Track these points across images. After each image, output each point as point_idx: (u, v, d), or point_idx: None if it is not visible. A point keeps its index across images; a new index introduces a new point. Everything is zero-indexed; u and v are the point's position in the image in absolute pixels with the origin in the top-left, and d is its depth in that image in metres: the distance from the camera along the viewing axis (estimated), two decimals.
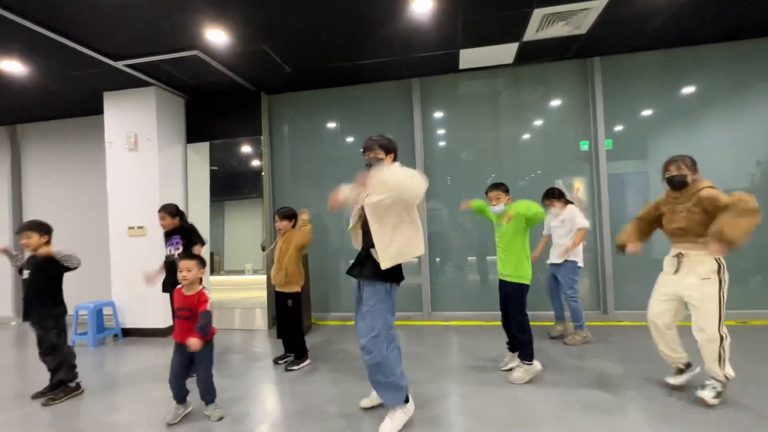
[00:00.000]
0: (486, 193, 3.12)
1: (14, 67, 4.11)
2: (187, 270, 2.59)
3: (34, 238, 3.00)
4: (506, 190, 3.05)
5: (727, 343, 2.45)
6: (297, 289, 3.57)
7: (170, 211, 3.55)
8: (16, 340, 5.08)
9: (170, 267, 3.50)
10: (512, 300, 2.95)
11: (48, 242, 3.08)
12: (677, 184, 2.56)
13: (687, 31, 4.14)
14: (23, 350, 4.56)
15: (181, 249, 3.50)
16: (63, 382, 3.07)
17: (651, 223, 2.83)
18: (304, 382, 3.19)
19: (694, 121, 4.56)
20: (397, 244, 2.25)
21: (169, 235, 3.60)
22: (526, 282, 2.93)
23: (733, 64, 4.41)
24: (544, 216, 2.97)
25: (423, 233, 2.44)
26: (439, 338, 4.19)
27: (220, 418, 2.59)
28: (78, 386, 3.13)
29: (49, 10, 3.20)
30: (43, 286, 3.03)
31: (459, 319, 4.82)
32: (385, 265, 2.23)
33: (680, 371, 2.75)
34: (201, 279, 2.69)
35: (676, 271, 2.58)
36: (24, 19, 3.24)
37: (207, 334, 2.56)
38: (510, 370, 3.08)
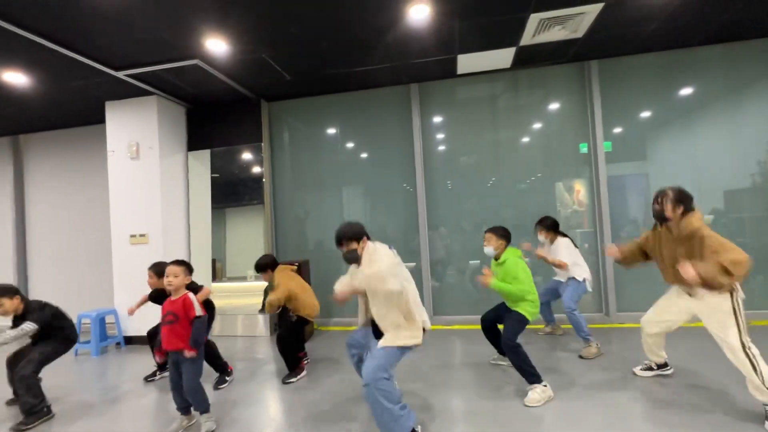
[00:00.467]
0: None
1: (17, 78, 4.16)
2: (173, 276, 2.55)
3: (6, 304, 2.90)
4: (501, 235, 2.99)
5: (755, 353, 2.33)
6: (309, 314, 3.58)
7: (157, 270, 3.35)
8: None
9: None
10: (508, 325, 2.87)
11: (21, 300, 2.99)
12: (660, 220, 2.59)
13: (682, 34, 4.16)
14: None
15: None
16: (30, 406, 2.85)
17: (642, 252, 2.85)
18: (305, 388, 3.19)
19: (692, 122, 4.58)
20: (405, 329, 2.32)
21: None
22: (528, 318, 2.86)
23: (730, 65, 4.43)
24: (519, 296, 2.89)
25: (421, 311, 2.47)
26: (443, 342, 4.19)
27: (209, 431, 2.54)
28: (48, 410, 2.94)
29: (51, 22, 3.25)
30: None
31: (461, 323, 4.82)
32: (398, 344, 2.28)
33: (649, 368, 3.02)
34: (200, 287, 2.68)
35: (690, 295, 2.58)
36: (26, 31, 3.29)
37: (200, 345, 2.52)
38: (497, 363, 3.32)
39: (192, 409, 2.63)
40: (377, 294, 2.26)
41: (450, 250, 5.06)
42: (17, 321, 2.95)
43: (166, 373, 3.51)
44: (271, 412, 2.84)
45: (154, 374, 3.63)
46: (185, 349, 2.46)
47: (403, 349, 2.31)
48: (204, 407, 2.58)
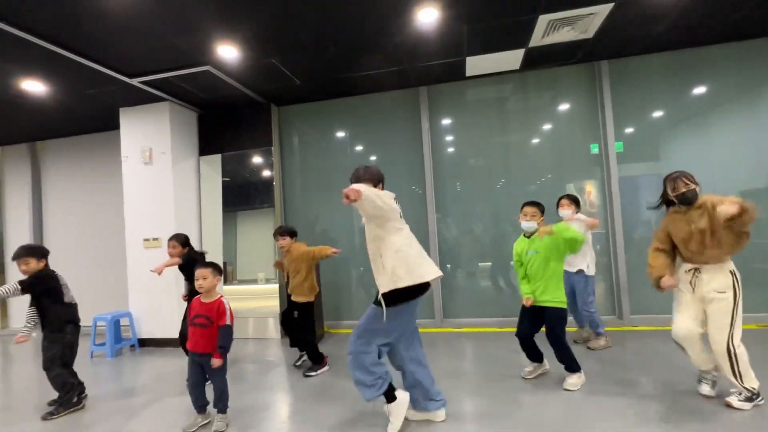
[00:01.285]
0: (522, 206, 3.01)
1: (35, 86, 4.27)
2: (203, 278, 2.58)
3: (32, 263, 2.98)
4: (543, 210, 2.97)
5: (740, 354, 2.40)
6: (310, 299, 3.65)
7: (181, 240, 3.65)
8: (35, 351, 5.18)
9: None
10: (555, 325, 2.88)
11: (46, 266, 3.07)
12: (690, 200, 2.53)
13: (694, 32, 4.11)
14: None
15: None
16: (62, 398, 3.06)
17: (672, 249, 2.71)
18: (315, 390, 3.20)
19: (706, 122, 4.51)
20: (390, 268, 2.23)
21: (189, 269, 3.57)
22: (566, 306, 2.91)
23: (744, 63, 4.36)
24: (584, 242, 2.87)
25: (428, 253, 2.42)
26: (453, 345, 4.18)
27: None
28: (79, 401, 3.14)
29: (67, 32, 3.33)
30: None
31: (472, 325, 4.80)
32: (382, 290, 2.26)
33: (714, 382, 2.67)
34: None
35: (694, 290, 2.57)
36: (44, 40, 3.38)
37: (227, 352, 2.56)
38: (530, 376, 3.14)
39: (207, 408, 2.67)
40: (364, 212, 2.18)
41: (459, 253, 5.04)
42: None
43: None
44: (279, 415, 2.85)
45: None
46: (214, 357, 2.48)
47: (378, 308, 2.28)
48: (223, 407, 2.62)
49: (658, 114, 4.62)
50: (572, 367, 2.92)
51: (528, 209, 2.95)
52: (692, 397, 2.66)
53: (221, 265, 5.25)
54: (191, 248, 3.74)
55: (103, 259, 5.94)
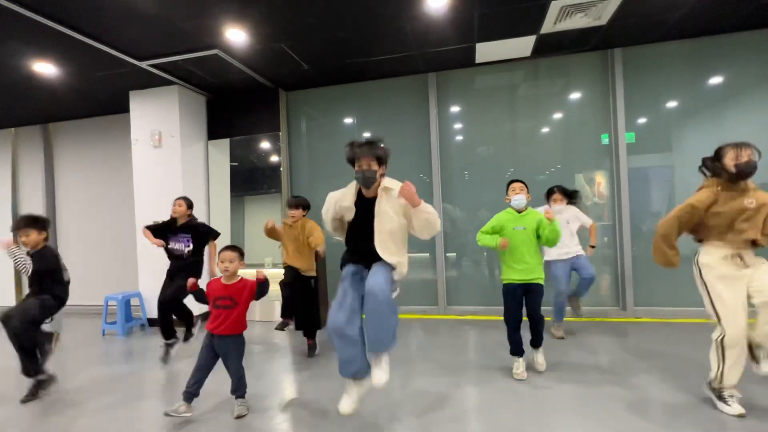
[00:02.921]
0: (510, 183, 3.04)
1: (47, 68, 4.31)
2: (229, 261, 2.57)
3: (33, 236, 2.96)
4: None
5: None
6: (314, 273, 3.75)
7: (189, 202, 3.79)
8: None
9: (176, 261, 3.77)
10: (539, 300, 2.96)
11: (46, 238, 3.06)
12: (749, 173, 2.26)
13: (712, 20, 4.00)
14: None
15: (191, 247, 3.74)
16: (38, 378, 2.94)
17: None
18: (322, 375, 3.27)
19: (723, 113, 4.41)
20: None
21: (176, 231, 3.77)
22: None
23: (763, 52, 4.24)
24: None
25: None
26: (455, 332, 4.22)
27: (239, 416, 2.51)
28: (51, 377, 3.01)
29: (79, 15, 3.35)
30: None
31: (474, 313, 4.83)
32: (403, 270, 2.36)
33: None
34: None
35: (747, 264, 2.28)
36: (55, 22, 3.40)
37: (265, 292, 2.61)
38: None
39: (194, 400, 2.54)
40: (412, 220, 2.29)
41: (465, 241, 5.05)
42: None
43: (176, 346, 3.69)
44: (282, 399, 2.92)
45: (167, 353, 3.69)
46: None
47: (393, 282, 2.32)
48: (242, 392, 2.60)
49: (672, 104, 4.53)
50: (541, 341, 3.01)
51: (516, 185, 2.98)
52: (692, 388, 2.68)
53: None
54: (193, 214, 3.88)
55: (114, 240, 6.06)
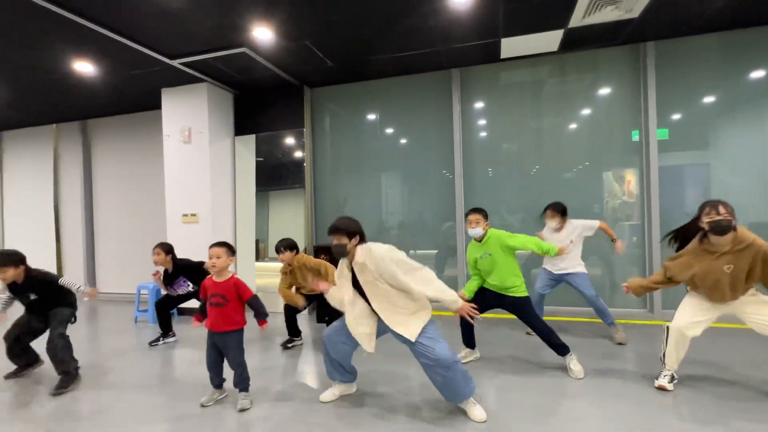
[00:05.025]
0: (467, 215, 3.12)
1: (85, 67, 4.53)
2: (216, 257, 2.54)
3: (10, 272, 2.93)
4: (486, 216, 3.09)
5: None
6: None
7: (166, 248, 3.98)
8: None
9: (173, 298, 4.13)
10: (524, 310, 3.04)
11: (25, 268, 3.04)
12: (724, 231, 2.30)
13: (752, 11, 3.79)
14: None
15: (190, 286, 4.04)
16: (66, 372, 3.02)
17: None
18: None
19: (763, 108, 4.18)
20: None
21: (171, 277, 4.02)
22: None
23: None
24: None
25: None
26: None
27: (242, 410, 2.54)
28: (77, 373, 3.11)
29: (115, 16, 3.51)
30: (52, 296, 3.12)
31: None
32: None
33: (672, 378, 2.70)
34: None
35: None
36: (94, 23, 3.57)
37: (266, 315, 2.64)
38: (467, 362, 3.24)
39: (224, 385, 2.69)
40: (394, 278, 2.30)
41: None
42: (16, 287, 3.04)
43: (170, 340, 4.11)
44: (291, 388, 2.99)
45: (158, 340, 4.06)
46: (260, 324, 2.61)
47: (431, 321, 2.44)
48: (245, 386, 2.63)
49: (708, 99, 4.33)
50: (562, 350, 2.96)
51: (471, 217, 3.05)
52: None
53: (254, 242, 5.52)
54: (174, 256, 4.07)
55: (147, 232, 6.31)
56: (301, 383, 3.01)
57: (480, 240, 3.08)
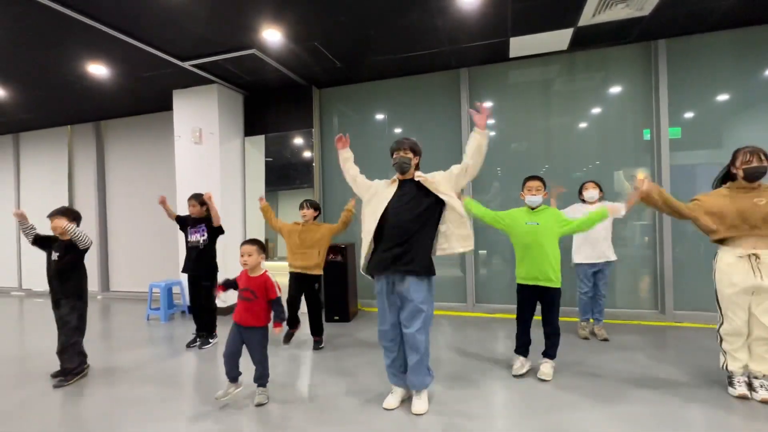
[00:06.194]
0: (526, 181, 3.00)
1: (99, 69, 4.62)
2: (248, 255, 2.62)
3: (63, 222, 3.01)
4: (545, 186, 2.95)
5: None
6: (321, 272, 3.90)
7: (200, 199, 3.97)
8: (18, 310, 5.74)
9: (191, 251, 4.02)
10: (555, 306, 2.86)
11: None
12: (759, 177, 2.44)
13: (764, 8, 3.73)
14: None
15: (206, 236, 3.97)
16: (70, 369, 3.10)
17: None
18: (348, 365, 3.36)
19: None
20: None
21: (196, 222, 4.01)
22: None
23: None
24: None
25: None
26: (484, 330, 4.20)
27: (259, 404, 2.59)
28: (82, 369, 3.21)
29: (127, 18, 3.58)
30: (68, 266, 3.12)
31: (503, 311, 4.77)
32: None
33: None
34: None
35: (762, 277, 2.41)
36: (107, 26, 3.64)
37: (283, 320, 2.65)
38: (524, 374, 2.98)
39: (239, 378, 2.70)
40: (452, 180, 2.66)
41: (495, 238, 4.99)
42: (59, 244, 3.10)
43: (213, 341, 3.99)
44: (315, 389, 3.02)
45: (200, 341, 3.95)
46: (275, 326, 2.59)
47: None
48: (264, 381, 2.68)
49: (722, 97, 4.26)
50: (554, 352, 2.91)
51: (532, 183, 2.90)
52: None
53: (263, 242, 5.56)
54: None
55: (159, 232, 6.41)
56: (318, 380, 3.04)
57: (534, 208, 2.89)
